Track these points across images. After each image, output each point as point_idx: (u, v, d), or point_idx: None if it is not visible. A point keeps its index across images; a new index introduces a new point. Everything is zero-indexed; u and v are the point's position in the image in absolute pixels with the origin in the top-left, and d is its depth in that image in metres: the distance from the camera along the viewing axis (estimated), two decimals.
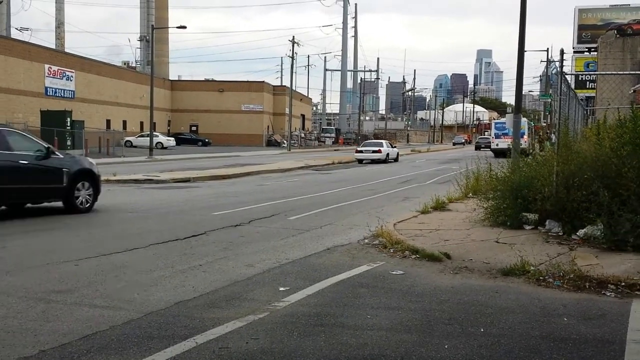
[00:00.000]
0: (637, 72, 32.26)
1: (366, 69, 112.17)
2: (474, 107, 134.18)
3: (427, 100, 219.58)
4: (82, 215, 12.57)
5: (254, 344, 4.94)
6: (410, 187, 20.93)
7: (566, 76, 12.56)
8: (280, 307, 6.02)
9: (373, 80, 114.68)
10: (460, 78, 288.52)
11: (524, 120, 37.93)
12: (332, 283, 7.04)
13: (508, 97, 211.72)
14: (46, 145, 12.85)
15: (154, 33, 48.11)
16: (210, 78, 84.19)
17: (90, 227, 11.31)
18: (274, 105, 79.17)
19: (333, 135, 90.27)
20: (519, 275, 7.33)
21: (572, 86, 15.42)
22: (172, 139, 60.62)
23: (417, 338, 5.17)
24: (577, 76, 39.81)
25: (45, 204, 13.17)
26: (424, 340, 5.10)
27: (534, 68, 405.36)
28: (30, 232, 10.58)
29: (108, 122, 55.89)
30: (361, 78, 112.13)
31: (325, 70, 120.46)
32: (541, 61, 72.25)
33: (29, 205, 13.01)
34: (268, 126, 76.43)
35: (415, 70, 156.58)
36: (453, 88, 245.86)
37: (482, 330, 5.40)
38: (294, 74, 67.45)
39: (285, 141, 69.24)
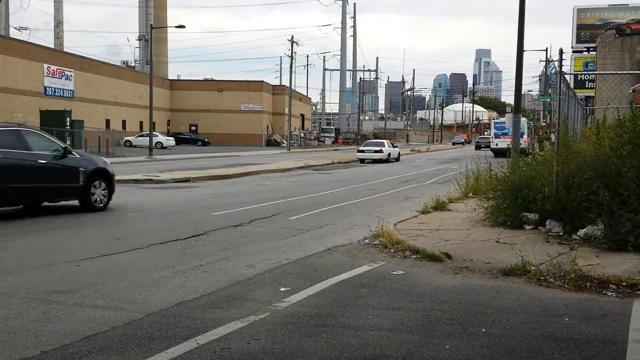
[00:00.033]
0: (636, 71, 32.23)
1: (365, 69, 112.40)
2: (473, 106, 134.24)
3: (427, 100, 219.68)
4: (82, 215, 12.57)
5: (255, 345, 4.94)
6: (410, 187, 20.94)
7: (565, 76, 12.57)
8: (282, 307, 6.02)
9: (372, 80, 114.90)
10: (459, 78, 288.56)
11: (523, 120, 37.98)
12: (333, 283, 7.04)
13: (507, 96, 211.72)
14: (63, 145, 13.15)
15: (153, 32, 48.03)
16: (209, 78, 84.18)
17: (90, 227, 11.30)
18: (273, 105, 79.15)
19: (332, 135, 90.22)
20: (519, 275, 7.33)
21: (571, 86, 15.44)
22: (172, 138, 60.58)
23: (418, 338, 5.17)
24: (576, 76, 39.88)
25: (43, 203, 13.17)
26: (425, 341, 5.10)
27: (533, 68, 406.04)
28: (30, 232, 10.57)
29: (107, 121, 55.88)
30: (360, 78, 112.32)
31: (325, 69, 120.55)
32: (540, 61, 72.16)
33: (29, 204, 13.01)
34: (267, 126, 76.43)
35: (414, 70, 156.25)
36: (452, 88, 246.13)
37: (483, 330, 5.40)
38: (293, 73, 67.43)
39: (284, 141, 69.24)
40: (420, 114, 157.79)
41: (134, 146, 53.00)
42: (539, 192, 9.95)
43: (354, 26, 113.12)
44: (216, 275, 7.36)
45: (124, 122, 60.18)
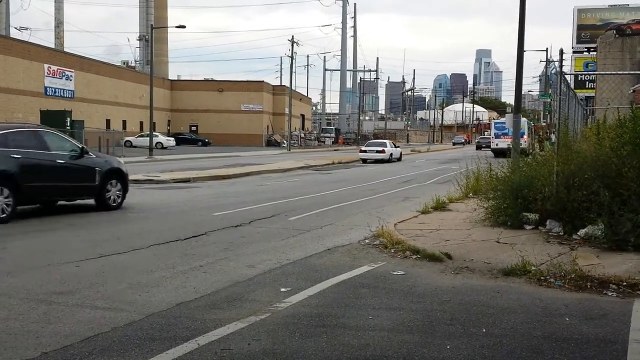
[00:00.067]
0: (636, 72, 32.26)
1: (366, 69, 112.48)
2: (473, 107, 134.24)
3: (427, 100, 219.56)
4: (82, 215, 12.59)
5: (256, 345, 4.94)
6: (410, 187, 20.94)
7: (565, 76, 12.56)
8: (282, 307, 6.02)
9: (372, 80, 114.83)
10: (459, 78, 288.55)
11: (523, 120, 37.98)
12: (333, 284, 7.04)
13: (508, 97, 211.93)
14: (80, 145, 13.46)
15: (153, 32, 48.05)
16: (209, 78, 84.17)
17: (90, 227, 11.30)
18: (273, 105, 79.16)
19: (333, 135, 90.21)
20: (520, 275, 7.33)
21: (572, 86, 15.42)
22: (172, 139, 60.59)
23: (419, 338, 5.17)
24: (576, 76, 39.82)
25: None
26: (425, 341, 5.10)
27: (533, 68, 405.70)
28: (30, 232, 10.57)
29: (108, 122, 55.90)
30: (361, 78, 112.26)
31: (325, 70, 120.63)
32: (540, 61, 72.10)
33: (29, 205, 13.02)
34: (268, 126, 76.43)
35: (414, 70, 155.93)
36: (452, 88, 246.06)
37: (484, 330, 5.40)
38: (293, 73, 67.48)
39: (285, 141, 69.23)
40: (420, 114, 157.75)
41: (134, 146, 53.00)
42: (539, 192, 9.95)
43: (354, 26, 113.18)
44: (216, 276, 7.36)
45: (124, 122, 60.20)
